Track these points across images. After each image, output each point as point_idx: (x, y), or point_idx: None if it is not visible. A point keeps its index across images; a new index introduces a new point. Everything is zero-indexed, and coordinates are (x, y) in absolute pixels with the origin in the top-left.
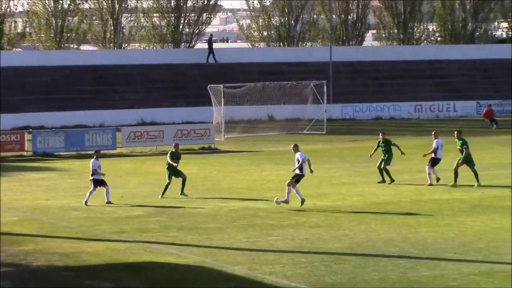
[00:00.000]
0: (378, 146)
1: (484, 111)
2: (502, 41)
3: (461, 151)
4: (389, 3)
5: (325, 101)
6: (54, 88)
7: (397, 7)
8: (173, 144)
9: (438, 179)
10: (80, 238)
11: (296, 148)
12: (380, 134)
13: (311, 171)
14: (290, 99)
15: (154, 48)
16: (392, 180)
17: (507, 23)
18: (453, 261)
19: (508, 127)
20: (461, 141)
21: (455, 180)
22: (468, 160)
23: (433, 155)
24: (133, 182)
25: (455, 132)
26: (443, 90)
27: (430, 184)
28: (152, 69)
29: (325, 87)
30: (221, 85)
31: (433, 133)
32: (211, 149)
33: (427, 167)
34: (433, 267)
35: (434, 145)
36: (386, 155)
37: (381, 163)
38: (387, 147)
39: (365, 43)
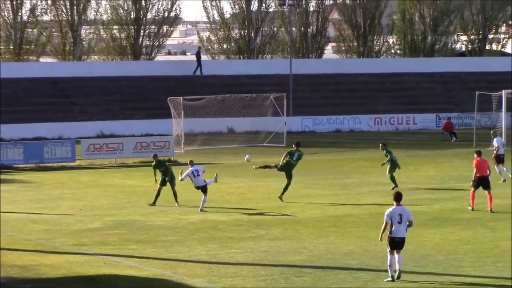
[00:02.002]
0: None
1: (444, 123)
2: (461, 54)
3: (389, 160)
4: (348, 16)
5: (285, 114)
6: (13, 100)
7: (356, 20)
8: (152, 156)
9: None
10: (39, 251)
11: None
12: (380, 145)
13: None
14: (250, 111)
15: (114, 60)
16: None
17: (466, 36)
18: (412, 273)
19: (467, 140)
20: (384, 151)
21: (395, 184)
22: (392, 166)
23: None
24: (92, 195)
25: (380, 145)
26: (403, 103)
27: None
28: (111, 81)
29: (284, 100)
30: (181, 98)
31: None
32: (170, 162)
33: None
34: (392, 281)
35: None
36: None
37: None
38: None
39: (324, 56)
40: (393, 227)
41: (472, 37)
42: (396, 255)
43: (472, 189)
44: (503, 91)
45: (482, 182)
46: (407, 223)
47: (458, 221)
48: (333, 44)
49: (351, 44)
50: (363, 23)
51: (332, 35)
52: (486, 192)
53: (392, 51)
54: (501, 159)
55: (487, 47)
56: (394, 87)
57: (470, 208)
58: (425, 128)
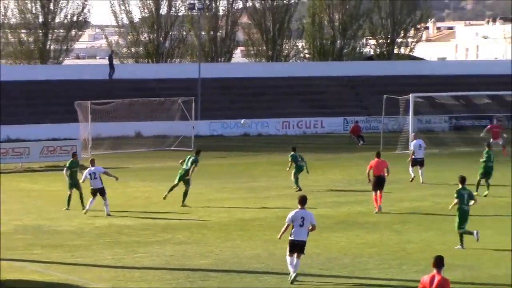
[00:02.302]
0: None
1: (351, 127)
2: (370, 58)
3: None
4: (258, 20)
5: (193, 118)
6: None
7: (265, 24)
8: (71, 154)
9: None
10: None
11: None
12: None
13: None
14: (158, 115)
15: (21, 64)
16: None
17: (375, 40)
18: (318, 276)
19: (375, 143)
20: (290, 156)
21: (298, 187)
22: (296, 170)
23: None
24: None
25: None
26: (311, 107)
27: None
28: (18, 85)
29: (193, 104)
30: (89, 102)
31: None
32: None
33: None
34: (298, 283)
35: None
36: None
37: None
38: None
39: (233, 60)
40: (294, 230)
41: (380, 41)
42: (295, 259)
43: (373, 192)
44: (410, 94)
45: (378, 181)
46: (310, 227)
47: (364, 224)
48: (242, 48)
49: (260, 48)
50: (272, 27)
51: (241, 39)
52: (378, 191)
53: (301, 55)
54: (420, 162)
55: (396, 51)
56: (303, 91)
57: (376, 211)
58: (333, 132)
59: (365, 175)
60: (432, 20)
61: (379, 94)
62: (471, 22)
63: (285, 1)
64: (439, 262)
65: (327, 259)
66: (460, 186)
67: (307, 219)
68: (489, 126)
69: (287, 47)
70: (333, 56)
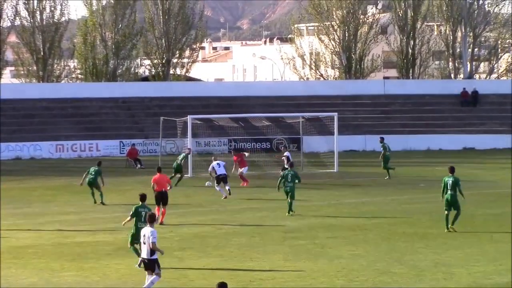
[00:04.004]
0: None
1: (128, 150)
2: (145, 78)
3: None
4: (27, 39)
5: None
6: None
7: (35, 43)
8: None
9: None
10: None
11: None
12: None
13: None
14: None
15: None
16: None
17: (150, 60)
18: None
19: (153, 166)
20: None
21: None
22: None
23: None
24: None
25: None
26: (85, 129)
27: None
28: None
29: None
30: None
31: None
32: None
33: None
34: None
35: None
36: None
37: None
38: None
39: (2, 81)
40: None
41: (155, 61)
42: (152, 275)
43: (156, 206)
44: (188, 116)
45: (161, 196)
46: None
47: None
48: (12, 68)
49: (30, 68)
50: (42, 46)
51: (10, 59)
52: (162, 207)
53: (74, 75)
54: (223, 179)
55: (172, 72)
56: (76, 113)
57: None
58: (109, 155)
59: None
60: (208, 40)
61: (155, 116)
62: (248, 42)
63: (55, 20)
64: None
65: (105, 286)
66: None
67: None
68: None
69: (58, 67)
70: (106, 76)
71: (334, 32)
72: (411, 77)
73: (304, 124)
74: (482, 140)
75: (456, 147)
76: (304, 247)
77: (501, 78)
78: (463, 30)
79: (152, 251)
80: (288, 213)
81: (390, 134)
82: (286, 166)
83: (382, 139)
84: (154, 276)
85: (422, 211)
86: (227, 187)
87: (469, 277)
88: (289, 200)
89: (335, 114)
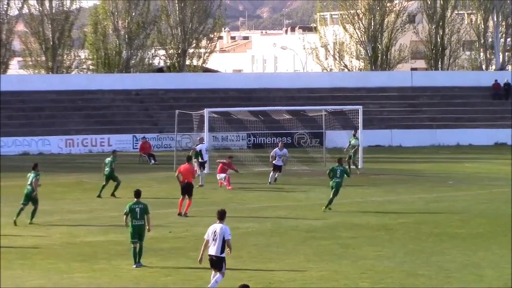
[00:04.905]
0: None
1: (140, 144)
2: (160, 70)
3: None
4: (35, 28)
5: None
6: None
7: (44, 32)
8: None
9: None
10: None
11: None
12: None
13: None
14: None
15: None
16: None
17: (165, 51)
18: None
19: (167, 162)
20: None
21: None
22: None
23: None
24: None
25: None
26: (96, 123)
27: None
28: None
29: None
30: None
31: None
32: None
33: None
34: None
35: None
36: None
37: None
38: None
39: (10, 72)
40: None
41: (171, 51)
42: (217, 274)
43: (181, 196)
44: (205, 109)
45: (186, 188)
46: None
47: (158, 251)
48: (20, 58)
49: (39, 59)
50: (52, 36)
51: (18, 49)
52: (188, 199)
53: (84, 66)
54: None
55: (188, 62)
56: (87, 106)
57: (178, 212)
58: (122, 150)
59: (158, 196)
60: (226, 29)
61: (170, 109)
62: (268, 32)
63: (65, 8)
64: None
65: None
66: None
67: (220, 233)
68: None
69: (69, 57)
70: (119, 67)
71: (359, 21)
72: (440, 69)
73: (327, 117)
74: None
75: (487, 142)
76: (327, 247)
77: None
78: (495, 19)
79: (223, 249)
80: (326, 208)
81: (417, 128)
82: (276, 163)
83: (355, 131)
84: (219, 275)
85: (450, 210)
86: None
87: (499, 279)
88: (331, 196)
89: (360, 107)
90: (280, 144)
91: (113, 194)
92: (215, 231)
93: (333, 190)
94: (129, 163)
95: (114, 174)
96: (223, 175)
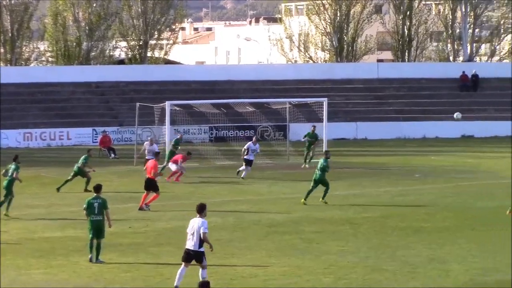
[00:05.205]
0: None
1: (100, 138)
2: (121, 62)
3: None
4: None
5: None
6: None
7: (3, 24)
8: None
9: None
10: None
11: None
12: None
13: None
14: None
15: None
16: None
17: (126, 42)
18: None
19: (128, 156)
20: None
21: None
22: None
23: None
24: None
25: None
26: (56, 116)
27: None
28: None
29: None
30: None
31: None
32: None
33: None
34: None
35: None
36: None
37: None
38: None
39: None
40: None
41: (132, 43)
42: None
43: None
44: (166, 102)
45: (146, 183)
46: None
47: (117, 247)
48: None
49: None
50: (10, 27)
51: None
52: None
53: (44, 58)
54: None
55: (149, 54)
56: (46, 98)
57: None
58: (81, 144)
59: (118, 190)
60: (189, 20)
61: (131, 102)
62: (232, 23)
63: None
64: None
65: (75, 285)
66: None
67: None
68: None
69: (27, 49)
70: (79, 59)
71: (325, 11)
72: (407, 60)
73: (291, 110)
74: (482, 127)
75: (454, 134)
76: (289, 242)
77: (503, 61)
78: (463, 9)
79: (201, 243)
80: (305, 199)
81: (383, 121)
82: (247, 158)
83: (314, 128)
84: (202, 270)
85: (416, 204)
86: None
87: (466, 274)
88: (310, 188)
89: (325, 100)
90: (254, 138)
91: (86, 189)
92: (193, 225)
93: (313, 182)
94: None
95: (84, 171)
96: (175, 166)
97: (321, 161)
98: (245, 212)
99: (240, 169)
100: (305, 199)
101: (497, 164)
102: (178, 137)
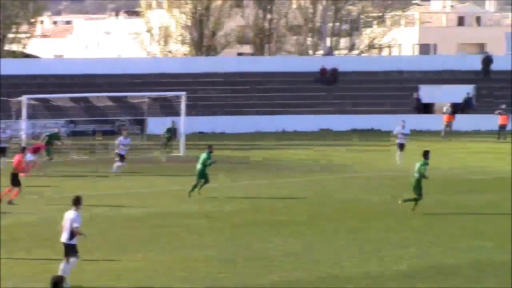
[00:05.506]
0: None
1: None
2: None
3: None
4: None
5: None
6: None
7: None
8: None
9: None
10: None
11: None
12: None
13: None
14: None
15: None
16: None
17: None
18: None
19: None
20: None
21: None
22: None
23: None
24: None
25: None
26: None
27: None
28: None
29: None
30: None
31: None
32: None
33: None
34: None
35: None
36: None
37: None
38: None
39: None
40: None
41: None
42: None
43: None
44: (23, 96)
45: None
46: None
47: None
48: None
49: None
50: None
51: None
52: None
53: None
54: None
55: (7, 48)
56: None
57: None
58: None
59: None
60: (48, 13)
61: None
62: (92, 16)
63: None
64: None
65: None
66: None
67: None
68: None
69: None
70: None
71: (185, 5)
72: (267, 54)
73: (149, 104)
74: (340, 121)
75: (313, 128)
76: (144, 236)
77: (363, 55)
78: (324, 3)
79: (72, 236)
80: (193, 192)
81: (242, 114)
82: (120, 153)
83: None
84: (65, 264)
85: (274, 196)
86: None
87: (319, 265)
88: (196, 181)
89: (183, 93)
90: (125, 132)
91: None
92: (66, 218)
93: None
94: None
95: None
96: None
97: (203, 155)
98: (100, 206)
99: (115, 165)
100: (192, 192)
101: (354, 158)
102: (56, 131)
